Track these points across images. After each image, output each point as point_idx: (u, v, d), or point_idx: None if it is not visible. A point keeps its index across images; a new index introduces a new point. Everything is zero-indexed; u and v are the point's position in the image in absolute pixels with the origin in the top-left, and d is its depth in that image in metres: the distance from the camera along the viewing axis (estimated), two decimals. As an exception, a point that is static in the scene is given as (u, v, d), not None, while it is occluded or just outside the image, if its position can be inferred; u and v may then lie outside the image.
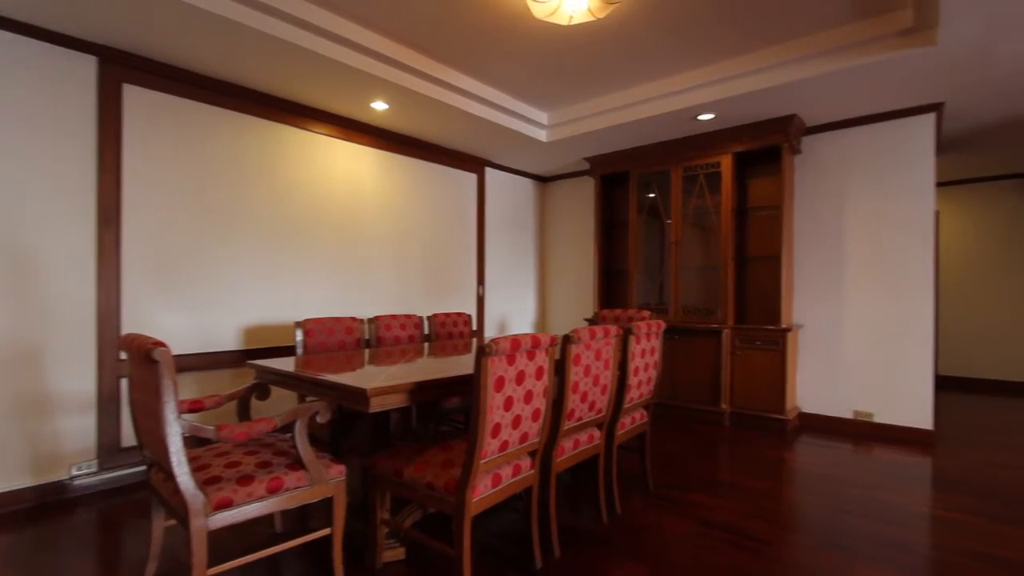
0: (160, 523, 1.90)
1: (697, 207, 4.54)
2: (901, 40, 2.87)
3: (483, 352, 1.60)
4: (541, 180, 6.13)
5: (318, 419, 1.81)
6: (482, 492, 1.76)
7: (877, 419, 3.93)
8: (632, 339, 2.45)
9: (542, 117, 4.48)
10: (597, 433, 2.43)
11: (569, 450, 2.24)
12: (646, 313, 3.76)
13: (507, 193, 5.67)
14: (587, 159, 5.17)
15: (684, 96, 3.72)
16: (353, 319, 3.26)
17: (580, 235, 5.85)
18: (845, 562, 2.10)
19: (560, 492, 2.81)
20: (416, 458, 1.90)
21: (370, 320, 3.39)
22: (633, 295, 4.86)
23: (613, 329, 2.28)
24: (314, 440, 2.44)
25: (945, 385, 5.96)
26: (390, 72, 3.27)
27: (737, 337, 4.18)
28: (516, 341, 1.70)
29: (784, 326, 3.98)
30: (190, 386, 3.19)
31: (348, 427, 2.69)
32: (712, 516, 2.53)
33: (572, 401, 2.14)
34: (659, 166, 4.67)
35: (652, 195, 4.89)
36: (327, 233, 3.94)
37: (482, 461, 1.70)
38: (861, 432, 3.98)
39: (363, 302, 4.20)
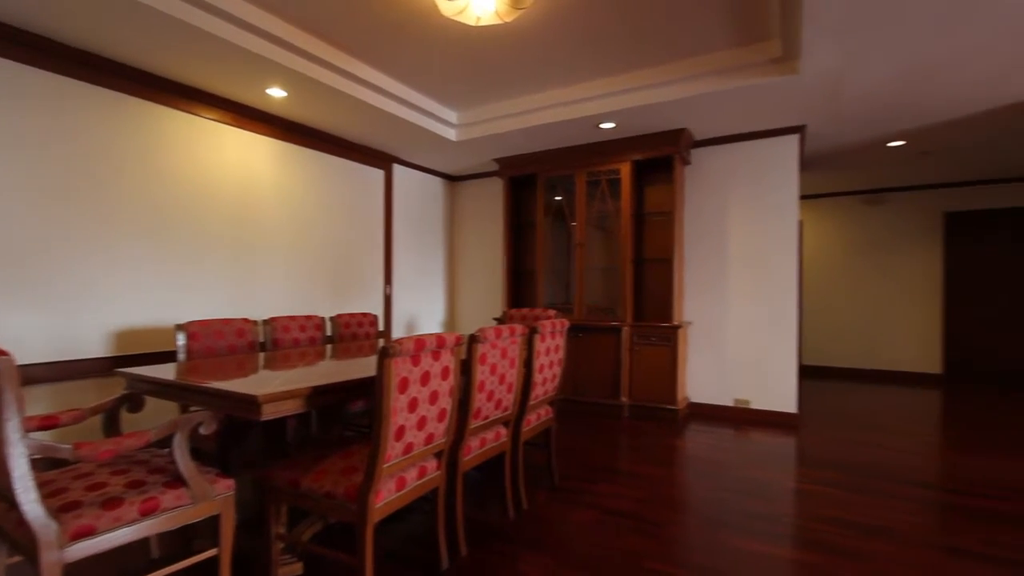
0: (2, 561, 1.63)
1: (600, 211, 4.77)
2: (771, 67, 3.22)
3: (386, 353, 1.56)
4: (451, 179, 6.10)
5: (202, 430, 1.66)
6: (386, 497, 1.71)
7: (753, 405, 4.39)
8: (537, 338, 2.52)
9: (452, 116, 4.46)
10: (503, 431, 2.47)
11: (476, 449, 2.25)
12: (552, 312, 3.88)
13: (416, 191, 5.58)
14: (496, 160, 5.23)
15: (588, 104, 3.89)
16: (245, 320, 3.03)
17: (489, 235, 5.90)
18: (725, 537, 2.32)
19: (467, 490, 2.82)
20: (314, 467, 1.81)
21: (265, 322, 3.17)
22: (540, 294, 5.00)
23: (519, 328, 2.33)
24: (199, 454, 2.23)
25: (807, 373, 6.79)
26: (288, 57, 3.08)
27: (635, 334, 4.46)
28: (420, 341, 1.68)
29: (676, 323, 4.31)
30: (42, 400, 2.77)
31: (239, 438, 2.50)
32: (612, 504, 2.67)
33: (478, 400, 2.15)
34: (565, 170, 4.84)
35: (559, 198, 5.06)
36: (217, 227, 3.62)
37: (385, 465, 1.65)
38: (740, 418, 4.42)
39: (258, 303, 3.91)
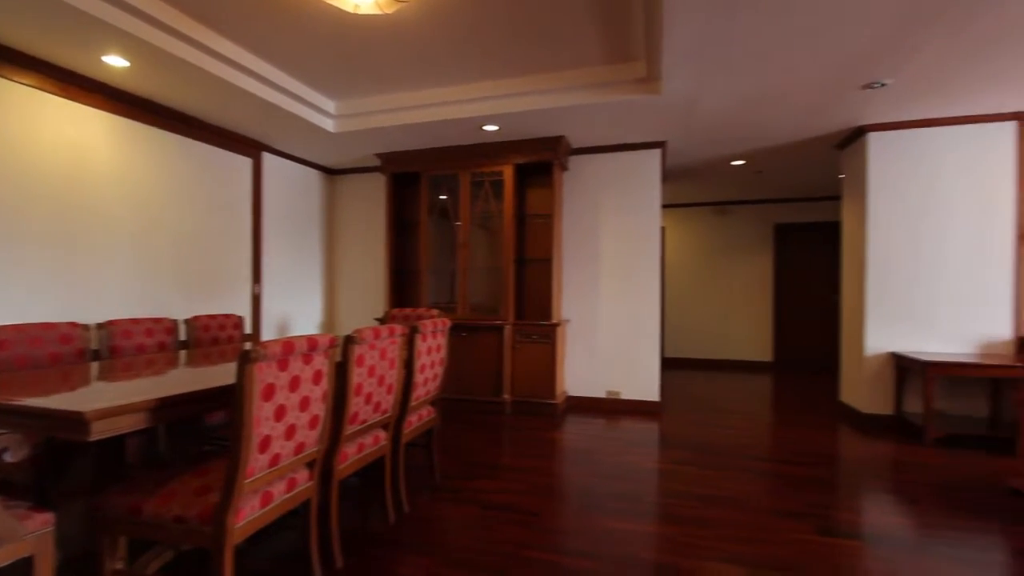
0: None
1: (483, 211, 4.84)
2: (637, 86, 3.52)
3: (247, 358, 1.43)
4: (329, 172, 5.77)
5: (8, 458, 1.39)
6: (248, 515, 1.57)
7: (623, 396, 4.76)
8: (418, 337, 2.48)
9: (329, 106, 4.23)
10: (383, 434, 2.40)
11: (353, 455, 2.16)
12: (435, 312, 3.85)
13: (290, 183, 5.19)
14: (378, 155, 5.06)
15: (471, 106, 3.92)
16: (73, 325, 2.59)
17: (371, 232, 5.69)
18: (596, 519, 2.49)
19: (345, 498, 2.70)
20: (160, 489, 1.60)
21: (100, 326, 2.74)
22: (424, 294, 4.94)
23: (398, 328, 2.28)
24: (8, 486, 1.87)
25: (668, 365, 7.52)
26: (129, 22, 2.68)
27: (517, 332, 4.59)
28: (289, 344, 1.57)
29: (555, 321, 4.52)
30: None
31: (63, 463, 2.14)
32: (493, 499, 2.73)
33: (355, 404, 2.07)
34: (449, 169, 4.83)
35: (443, 197, 5.04)
36: (36, 215, 3.05)
37: (247, 481, 1.52)
38: (612, 408, 4.76)
39: (94, 305, 3.37)
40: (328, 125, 4.30)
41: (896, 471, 3.19)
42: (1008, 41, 2.79)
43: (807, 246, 7.22)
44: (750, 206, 7.36)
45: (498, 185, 4.71)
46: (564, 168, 4.82)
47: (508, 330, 4.57)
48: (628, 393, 4.75)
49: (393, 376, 2.33)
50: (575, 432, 4.03)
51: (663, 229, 7.65)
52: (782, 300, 7.29)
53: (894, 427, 4.16)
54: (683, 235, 7.64)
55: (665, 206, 7.66)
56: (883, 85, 3.37)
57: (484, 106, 3.89)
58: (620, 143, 4.69)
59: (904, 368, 4.11)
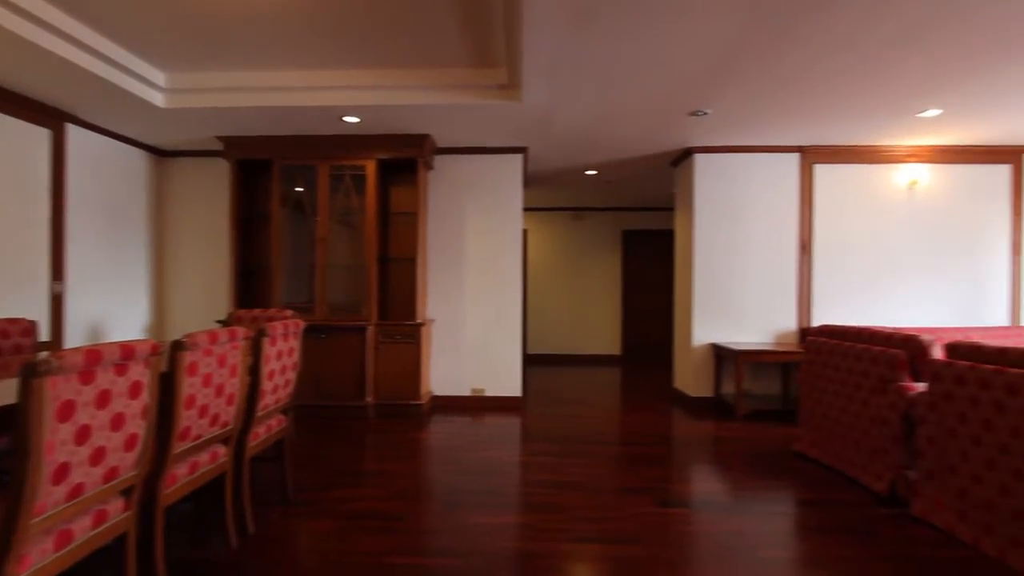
0: None
1: (344, 206, 4.60)
2: (499, 92, 3.62)
3: (34, 372, 1.17)
4: (159, 154, 5.01)
5: None
6: (37, 561, 1.30)
7: (487, 393, 4.87)
8: (266, 341, 2.27)
9: (158, 77, 3.67)
10: (223, 449, 2.15)
11: (184, 476, 1.90)
12: (289, 312, 3.57)
13: (106, 163, 4.40)
14: (221, 138, 4.53)
15: (329, 94, 3.69)
16: None
17: (212, 224, 5.07)
18: (461, 516, 2.51)
19: (176, 526, 2.37)
20: (-98, 542, 1.25)
21: None
22: (276, 294, 4.54)
23: (240, 331, 2.06)
24: None
25: (531, 361, 7.87)
26: None
27: (380, 333, 4.45)
28: (94, 353, 1.32)
29: (419, 321, 4.46)
30: None
31: None
32: (353, 507, 2.60)
33: (186, 418, 1.82)
34: (305, 160, 4.50)
35: (299, 189, 4.68)
36: None
37: (36, 519, 1.25)
38: (477, 405, 4.84)
39: None
40: (156, 99, 3.73)
41: (715, 445, 3.72)
42: (788, 87, 3.40)
43: (650, 251, 8.08)
44: (602, 213, 8.02)
45: (360, 180, 4.51)
46: (429, 167, 4.78)
47: (371, 331, 4.40)
48: (492, 390, 4.87)
49: (235, 384, 2.10)
50: (440, 431, 4.02)
51: (525, 231, 7.98)
52: (629, 299, 8.07)
53: (714, 407, 4.85)
54: (544, 237, 8.05)
55: (527, 209, 7.99)
56: (705, 114, 3.90)
57: (344, 95, 3.69)
58: (484, 146, 4.79)
59: (721, 356, 4.81)
